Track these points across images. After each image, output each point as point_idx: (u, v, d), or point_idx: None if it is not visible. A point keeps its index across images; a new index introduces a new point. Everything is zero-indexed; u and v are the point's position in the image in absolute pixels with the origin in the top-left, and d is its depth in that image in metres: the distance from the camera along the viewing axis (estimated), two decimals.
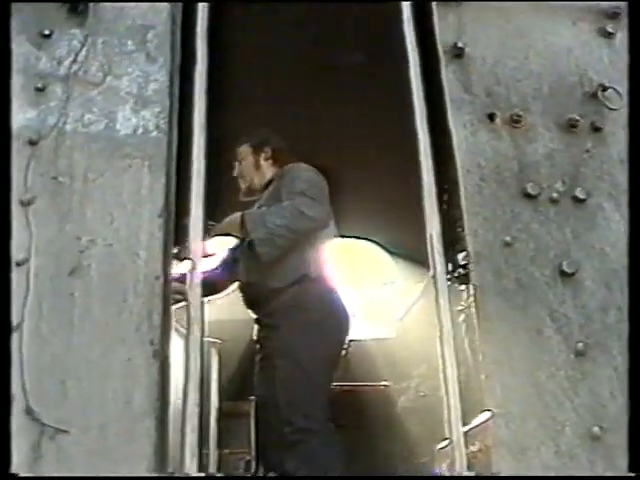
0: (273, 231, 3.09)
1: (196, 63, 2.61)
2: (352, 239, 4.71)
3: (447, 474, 2.33)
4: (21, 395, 2.21)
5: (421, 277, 4.39)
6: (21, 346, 2.26)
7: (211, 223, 3.22)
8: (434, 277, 2.46)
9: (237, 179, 3.50)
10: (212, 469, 5.54)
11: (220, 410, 5.60)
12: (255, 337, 3.55)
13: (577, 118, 2.72)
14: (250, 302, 3.49)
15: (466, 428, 3.29)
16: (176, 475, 2.15)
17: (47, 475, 2.15)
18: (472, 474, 2.28)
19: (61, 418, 2.21)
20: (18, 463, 2.15)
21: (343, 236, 4.11)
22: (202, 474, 2.20)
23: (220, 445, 5.60)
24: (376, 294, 5.34)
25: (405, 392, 4.89)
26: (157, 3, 2.71)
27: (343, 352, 3.47)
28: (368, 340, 5.30)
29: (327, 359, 3.26)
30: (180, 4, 2.77)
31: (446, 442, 3.41)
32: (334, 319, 3.31)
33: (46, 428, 2.19)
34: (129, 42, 2.65)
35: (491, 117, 2.68)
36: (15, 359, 2.24)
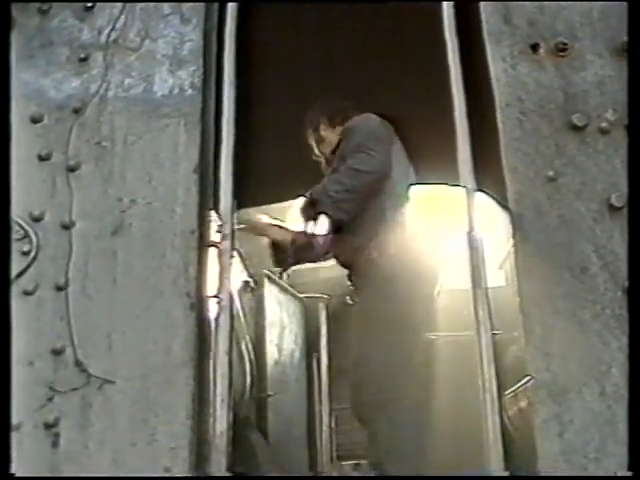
0: (336, 198, 3.12)
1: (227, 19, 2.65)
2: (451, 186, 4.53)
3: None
4: (70, 349, 2.35)
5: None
6: (68, 304, 2.39)
7: None
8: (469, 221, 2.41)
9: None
10: (325, 425, 5.67)
11: (330, 365, 5.70)
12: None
13: None
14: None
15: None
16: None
17: (96, 424, 2.29)
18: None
19: (107, 369, 2.33)
20: (68, 413, 2.30)
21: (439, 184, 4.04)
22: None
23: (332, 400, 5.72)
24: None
25: (516, 341, 4.82)
26: None
27: (425, 306, 3.41)
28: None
29: (398, 317, 3.24)
30: None
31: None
32: (405, 276, 3.27)
33: (93, 379, 2.32)
34: (165, 5, 2.70)
35: (534, 48, 2.53)
36: (64, 316, 2.39)
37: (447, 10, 2.63)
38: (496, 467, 2.19)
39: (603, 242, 2.32)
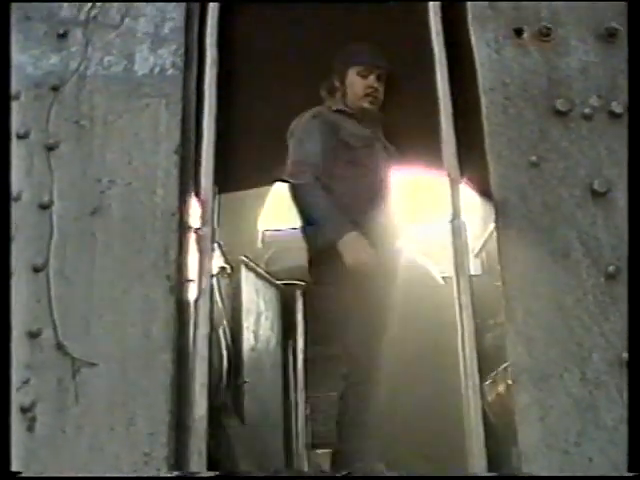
0: None
1: None
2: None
3: None
4: (47, 332, 2.31)
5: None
6: (49, 286, 2.35)
7: None
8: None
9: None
10: (300, 411, 5.65)
11: (306, 353, 5.66)
12: None
13: (617, 27, 2.52)
14: None
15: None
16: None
17: (73, 408, 2.25)
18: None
19: (84, 353, 2.29)
20: (44, 397, 2.25)
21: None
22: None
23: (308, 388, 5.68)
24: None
25: (492, 329, 4.85)
26: None
27: None
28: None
29: None
30: None
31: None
32: None
33: (70, 362, 2.28)
34: None
35: (518, 32, 2.52)
36: (41, 298, 2.34)
37: None
38: (478, 450, 2.20)
39: (586, 228, 2.33)
